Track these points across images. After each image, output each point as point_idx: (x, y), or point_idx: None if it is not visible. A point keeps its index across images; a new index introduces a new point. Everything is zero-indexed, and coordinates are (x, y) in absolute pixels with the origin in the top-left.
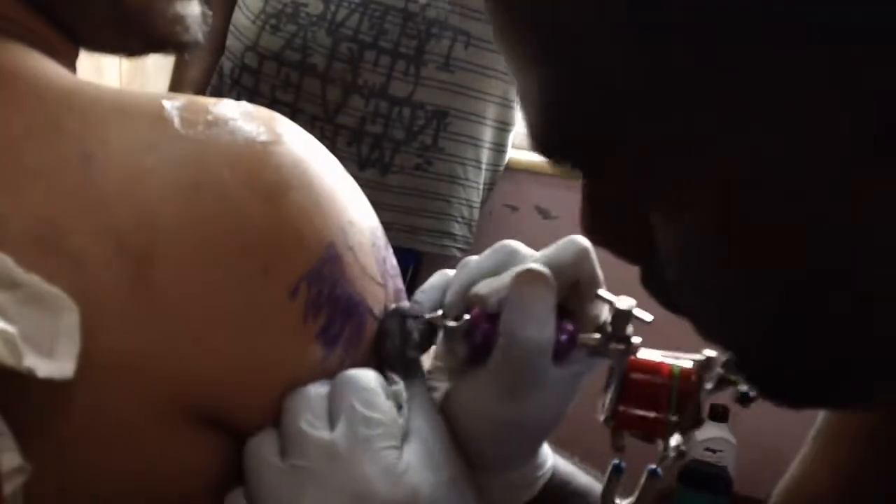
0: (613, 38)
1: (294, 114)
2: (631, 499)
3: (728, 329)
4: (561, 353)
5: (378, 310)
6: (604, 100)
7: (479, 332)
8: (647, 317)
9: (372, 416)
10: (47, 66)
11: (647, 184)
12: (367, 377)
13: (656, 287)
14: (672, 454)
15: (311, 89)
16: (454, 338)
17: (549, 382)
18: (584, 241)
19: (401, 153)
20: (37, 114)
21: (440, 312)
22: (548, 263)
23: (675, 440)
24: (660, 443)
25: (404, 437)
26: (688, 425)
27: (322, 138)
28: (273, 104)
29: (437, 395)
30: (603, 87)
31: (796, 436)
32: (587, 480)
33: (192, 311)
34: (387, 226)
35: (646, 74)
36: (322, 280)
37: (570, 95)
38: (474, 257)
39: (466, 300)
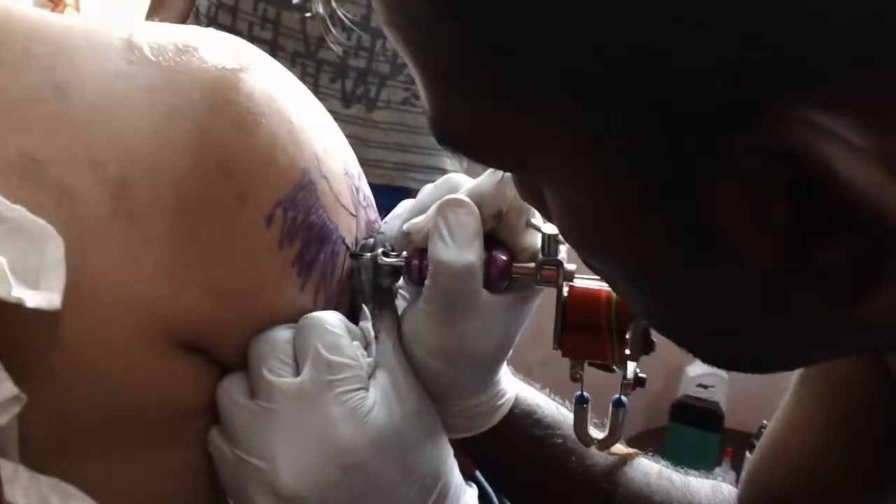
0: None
1: (274, 51)
2: (605, 432)
3: (626, 297)
4: (494, 281)
5: (350, 240)
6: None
7: (413, 267)
8: None
9: (336, 361)
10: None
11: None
12: (332, 320)
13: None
14: (630, 380)
15: (289, 24)
16: (400, 272)
17: (485, 309)
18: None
19: (387, 87)
20: (5, 44)
21: (380, 251)
22: (470, 193)
23: (631, 368)
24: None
25: (373, 372)
26: (637, 351)
27: (304, 75)
28: (252, 42)
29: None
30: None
31: (788, 371)
32: (555, 412)
33: (171, 238)
34: (377, 164)
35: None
36: (297, 206)
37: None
38: (428, 187)
39: (402, 237)
